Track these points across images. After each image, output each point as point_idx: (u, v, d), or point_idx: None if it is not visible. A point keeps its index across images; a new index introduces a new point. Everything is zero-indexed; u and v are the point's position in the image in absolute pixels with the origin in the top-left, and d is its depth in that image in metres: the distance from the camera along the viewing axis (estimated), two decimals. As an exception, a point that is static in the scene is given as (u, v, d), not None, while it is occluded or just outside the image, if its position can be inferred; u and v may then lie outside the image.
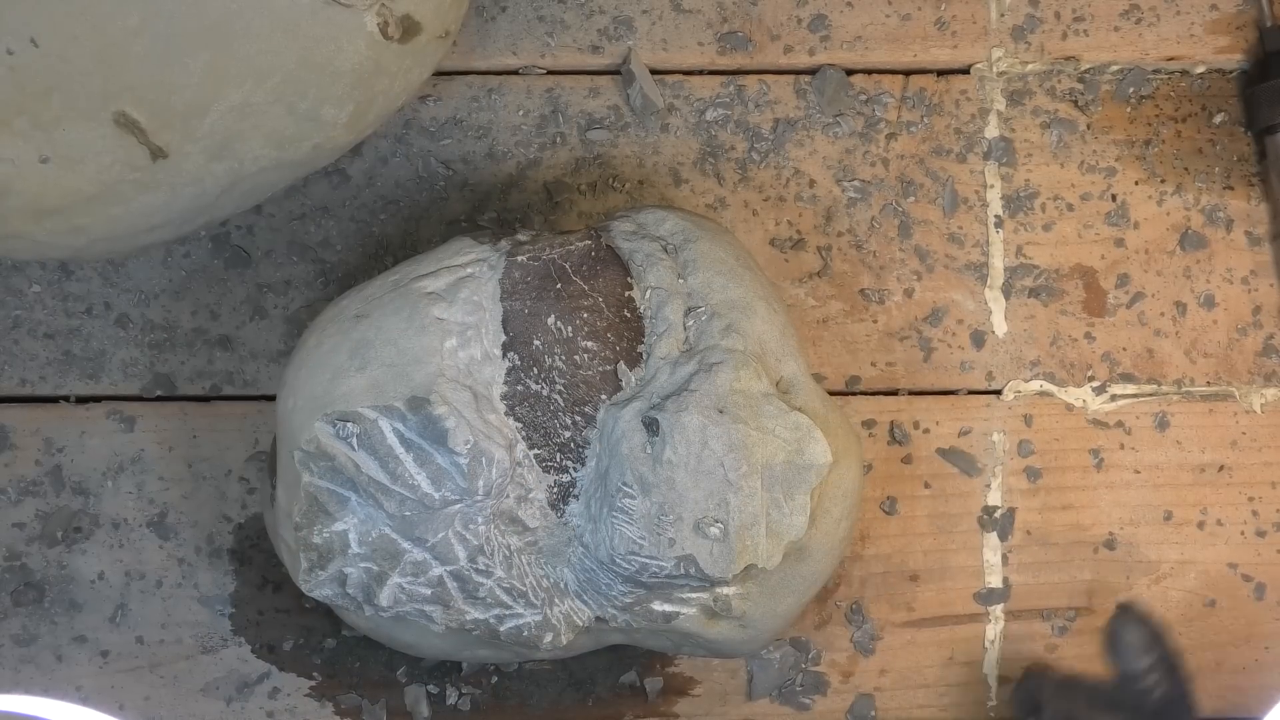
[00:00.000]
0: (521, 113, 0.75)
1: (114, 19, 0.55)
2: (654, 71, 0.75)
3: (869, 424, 0.75)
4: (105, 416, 0.73)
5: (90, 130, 0.57)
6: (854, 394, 0.75)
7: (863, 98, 0.76)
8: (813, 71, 0.76)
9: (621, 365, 0.62)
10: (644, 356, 0.62)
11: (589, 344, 0.62)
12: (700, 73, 0.76)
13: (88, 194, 0.59)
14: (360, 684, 0.73)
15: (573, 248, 0.63)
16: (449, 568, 0.61)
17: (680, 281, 0.64)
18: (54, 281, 0.73)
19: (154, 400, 0.73)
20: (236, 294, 0.73)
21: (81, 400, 0.73)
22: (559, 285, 0.62)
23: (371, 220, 0.74)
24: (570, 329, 0.62)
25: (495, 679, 0.73)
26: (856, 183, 0.76)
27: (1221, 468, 0.75)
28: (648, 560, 0.60)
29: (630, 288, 0.63)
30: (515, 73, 0.75)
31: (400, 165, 0.74)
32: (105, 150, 0.58)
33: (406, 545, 0.61)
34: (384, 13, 0.59)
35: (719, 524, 0.60)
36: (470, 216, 0.74)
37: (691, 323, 0.63)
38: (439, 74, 0.74)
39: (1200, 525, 0.75)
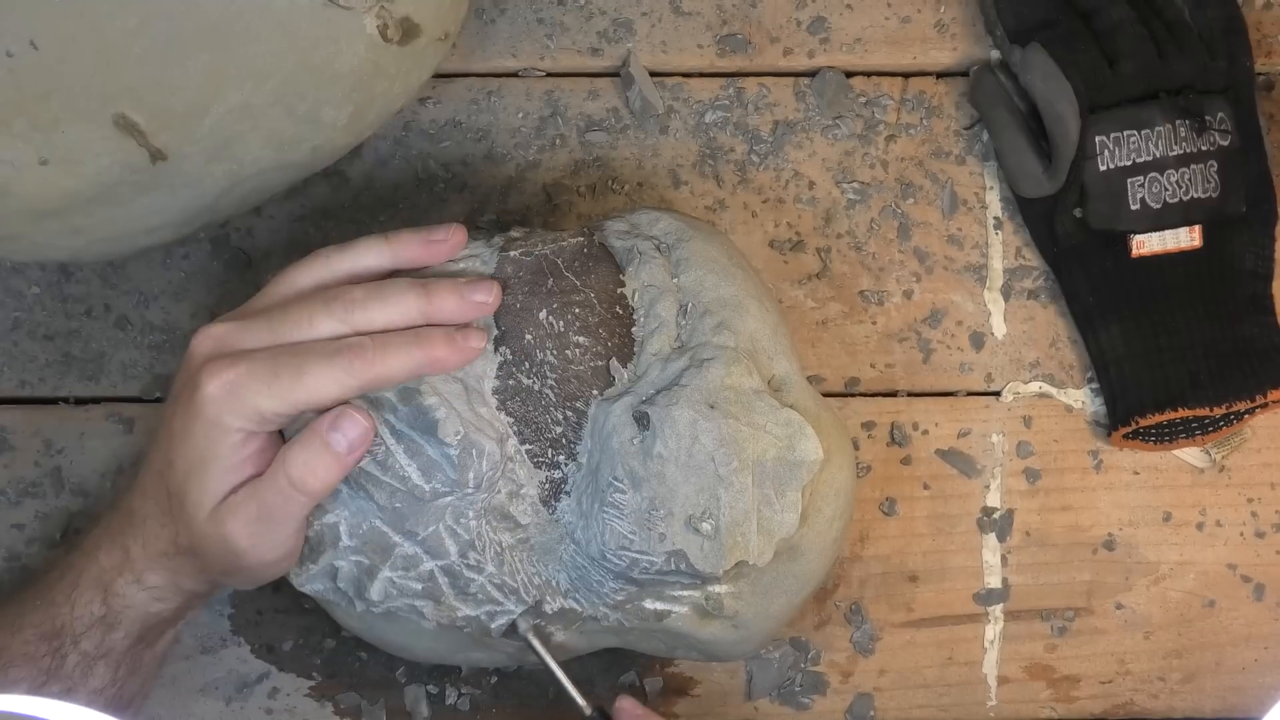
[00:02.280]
0: (521, 115, 0.75)
1: (113, 21, 0.55)
2: (653, 74, 0.75)
3: (868, 425, 0.75)
4: (105, 418, 0.73)
5: (89, 132, 0.57)
6: (853, 395, 0.75)
7: (862, 100, 0.76)
8: (812, 74, 0.76)
9: (613, 361, 0.62)
10: (635, 352, 0.63)
11: (580, 339, 0.62)
12: (699, 75, 0.76)
13: (87, 196, 0.59)
14: (360, 684, 0.73)
15: (565, 244, 0.64)
16: (440, 562, 0.61)
17: (673, 279, 0.64)
18: (53, 283, 0.73)
19: (153, 402, 0.73)
20: (236, 296, 0.73)
21: (81, 402, 0.73)
22: (551, 280, 0.63)
23: (371, 222, 0.74)
24: (562, 324, 0.62)
25: (495, 679, 0.73)
26: (856, 185, 0.76)
27: (1221, 469, 0.75)
28: (638, 555, 0.60)
29: (622, 285, 0.63)
30: (514, 75, 0.75)
31: (400, 167, 0.74)
32: (104, 152, 0.58)
33: (397, 538, 0.61)
34: (383, 15, 0.59)
35: (710, 520, 0.60)
36: (470, 219, 0.74)
37: (683, 320, 0.63)
38: (438, 76, 0.74)
39: (1199, 526, 0.75)
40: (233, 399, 0.57)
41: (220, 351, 0.58)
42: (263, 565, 0.61)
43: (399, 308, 0.59)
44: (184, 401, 0.58)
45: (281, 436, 0.60)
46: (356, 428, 0.58)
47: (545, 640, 0.63)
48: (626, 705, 0.62)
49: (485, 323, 0.62)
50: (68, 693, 0.60)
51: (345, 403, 0.59)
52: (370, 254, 0.62)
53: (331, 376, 0.57)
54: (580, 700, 0.63)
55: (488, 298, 0.60)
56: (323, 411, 0.59)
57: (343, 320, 0.59)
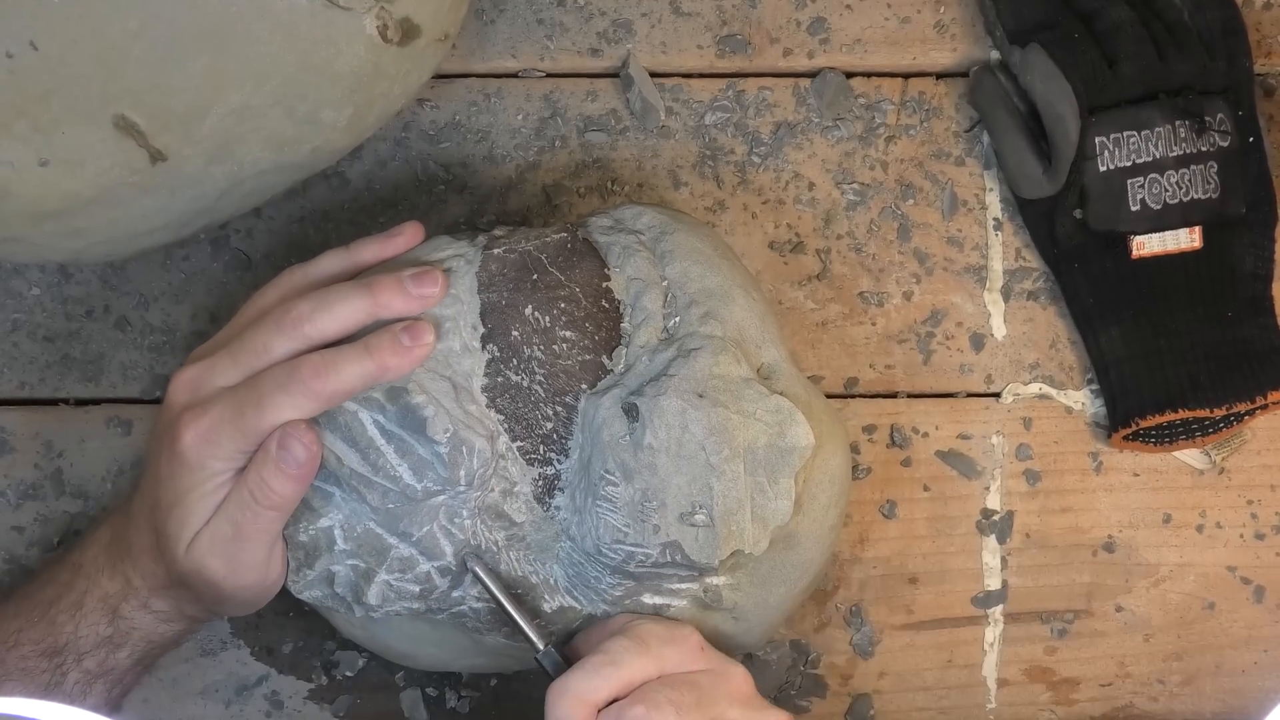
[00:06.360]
0: (521, 116, 0.75)
1: (113, 22, 0.55)
2: (653, 74, 0.75)
3: (869, 428, 0.75)
4: (105, 419, 0.73)
5: (89, 133, 0.57)
6: (853, 397, 0.75)
7: (862, 101, 0.76)
8: (812, 75, 0.76)
9: (601, 355, 0.62)
10: (623, 345, 0.63)
11: (567, 334, 0.62)
12: (699, 76, 0.76)
13: (87, 197, 0.59)
14: (359, 687, 0.73)
15: (549, 240, 0.64)
16: (436, 563, 0.61)
17: (658, 272, 0.64)
18: (53, 284, 0.73)
19: (153, 403, 0.73)
20: (236, 297, 0.73)
21: (81, 403, 0.73)
22: (535, 276, 0.63)
23: (371, 223, 0.74)
24: (548, 319, 0.62)
25: (494, 681, 0.73)
26: (856, 186, 0.76)
27: (1221, 470, 0.75)
28: (633, 548, 0.60)
29: (608, 279, 0.63)
30: (514, 76, 0.75)
31: (399, 168, 0.75)
32: (104, 153, 0.58)
33: (392, 540, 0.61)
34: (383, 15, 0.59)
35: (703, 509, 0.60)
36: (469, 219, 0.74)
37: (670, 311, 0.63)
38: (438, 77, 0.74)
39: (1199, 528, 0.75)
40: (210, 444, 0.59)
41: (194, 398, 0.60)
42: (241, 589, 0.61)
43: (346, 312, 0.60)
44: (167, 446, 0.60)
45: None
46: (297, 441, 0.58)
47: (495, 576, 0.61)
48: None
49: (471, 321, 0.62)
50: None
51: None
52: (333, 263, 0.63)
53: (289, 402, 0.58)
54: (533, 636, 0.61)
55: (434, 289, 0.61)
56: None
57: (293, 337, 0.60)
